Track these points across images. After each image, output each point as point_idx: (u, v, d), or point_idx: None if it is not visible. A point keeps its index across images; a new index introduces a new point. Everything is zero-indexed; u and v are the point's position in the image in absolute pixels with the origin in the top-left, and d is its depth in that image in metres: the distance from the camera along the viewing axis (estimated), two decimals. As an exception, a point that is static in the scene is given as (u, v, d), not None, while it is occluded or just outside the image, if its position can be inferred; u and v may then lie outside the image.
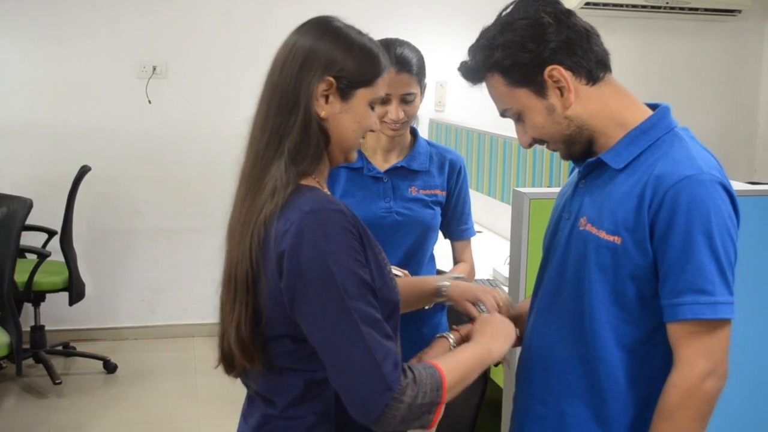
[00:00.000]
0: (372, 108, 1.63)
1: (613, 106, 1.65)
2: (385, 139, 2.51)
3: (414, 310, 2.14)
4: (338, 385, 1.46)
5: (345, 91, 1.57)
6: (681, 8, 6.05)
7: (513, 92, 1.65)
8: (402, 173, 2.53)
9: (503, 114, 1.73)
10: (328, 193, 1.61)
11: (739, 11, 6.19)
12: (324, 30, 1.59)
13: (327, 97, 1.56)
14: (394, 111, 2.40)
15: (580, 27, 1.64)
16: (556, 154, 3.79)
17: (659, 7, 6.02)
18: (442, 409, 1.50)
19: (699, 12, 6.13)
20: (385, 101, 2.39)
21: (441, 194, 2.57)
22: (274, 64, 1.59)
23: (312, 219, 1.46)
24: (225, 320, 1.57)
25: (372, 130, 1.65)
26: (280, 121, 1.54)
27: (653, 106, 1.68)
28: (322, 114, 1.56)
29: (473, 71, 1.69)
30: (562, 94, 1.62)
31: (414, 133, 2.59)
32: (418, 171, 2.54)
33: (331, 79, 1.55)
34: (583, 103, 1.63)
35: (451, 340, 1.86)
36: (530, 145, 1.74)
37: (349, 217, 1.50)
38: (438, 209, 2.57)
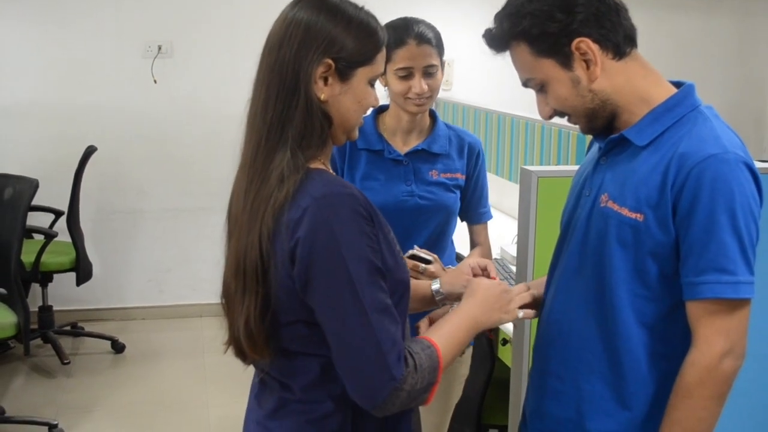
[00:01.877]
0: (372, 85, 1.60)
1: (638, 81, 1.63)
2: (405, 120, 2.49)
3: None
4: (342, 371, 1.46)
5: (344, 72, 1.54)
6: (690, -15, 6.02)
7: (538, 62, 1.62)
8: (423, 156, 2.50)
9: (525, 84, 1.70)
10: (333, 173, 1.58)
11: (749, -13, 6.15)
12: (321, 6, 1.54)
13: (326, 79, 1.53)
14: (417, 84, 2.37)
15: (610, 0, 1.61)
16: (564, 133, 3.79)
17: (668, -16, 5.98)
18: (437, 387, 1.51)
19: (708, -12, 6.10)
20: (408, 76, 2.38)
21: (461, 178, 2.55)
22: (270, 43, 1.55)
23: (324, 205, 1.45)
24: (235, 310, 1.55)
25: (373, 107, 1.63)
26: (281, 108, 1.51)
27: (677, 84, 1.67)
28: (322, 97, 1.53)
29: (498, 39, 1.66)
30: (588, 67, 1.60)
31: (433, 115, 2.57)
32: (438, 154, 2.51)
33: (330, 61, 1.51)
34: (608, 77, 1.61)
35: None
36: (550, 117, 1.72)
37: (360, 200, 1.48)
38: (458, 193, 2.55)
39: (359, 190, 1.52)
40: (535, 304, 1.84)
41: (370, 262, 1.45)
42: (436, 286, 1.96)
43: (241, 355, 1.59)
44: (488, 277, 1.96)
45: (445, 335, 1.57)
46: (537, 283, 1.96)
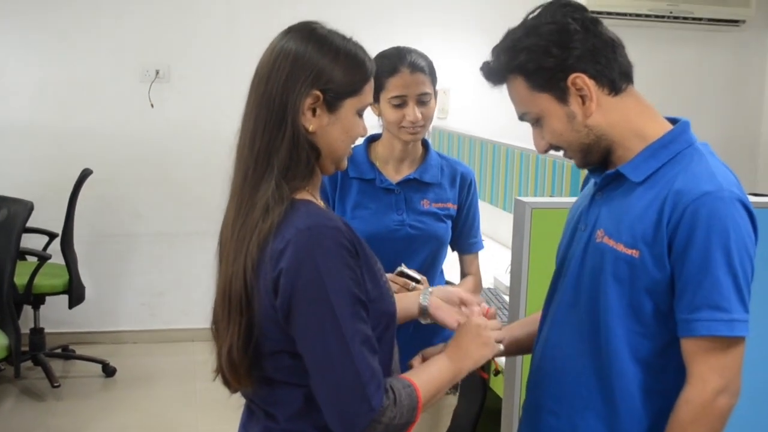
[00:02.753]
0: (360, 116, 1.61)
1: (633, 117, 1.64)
2: (398, 149, 2.49)
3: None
4: (322, 401, 1.47)
5: (332, 103, 1.54)
6: (685, 18, 6.07)
7: (534, 96, 1.64)
8: (414, 185, 2.50)
9: (521, 117, 1.71)
10: (321, 204, 1.59)
11: (743, 21, 6.20)
12: (309, 37, 1.55)
13: (314, 110, 1.53)
14: (411, 112, 2.37)
15: (606, 36, 1.63)
16: (559, 164, 3.81)
17: (663, 17, 6.03)
18: (414, 427, 1.52)
19: (703, 22, 6.14)
20: (402, 104, 2.38)
21: (452, 207, 2.54)
22: (259, 74, 1.56)
23: (308, 237, 1.45)
24: (220, 338, 1.56)
25: (361, 137, 1.64)
26: (267, 138, 1.52)
27: (673, 120, 1.68)
28: (310, 128, 1.53)
29: (495, 72, 1.68)
30: (583, 102, 1.61)
31: (425, 144, 2.57)
32: (430, 183, 2.51)
33: (318, 92, 1.52)
34: (603, 112, 1.62)
35: None
36: (546, 151, 1.72)
37: (345, 232, 1.49)
38: (449, 223, 2.54)
39: (345, 222, 1.53)
40: (515, 343, 1.87)
41: (352, 293, 1.46)
42: (425, 302, 1.93)
43: (227, 383, 1.59)
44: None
45: (426, 377, 1.58)
46: (521, 324, 1.98)
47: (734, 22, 6.21)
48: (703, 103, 6.34)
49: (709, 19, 6.14)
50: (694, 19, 6.09)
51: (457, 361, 1.66)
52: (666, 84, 6.10)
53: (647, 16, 5.98)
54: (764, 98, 6.53)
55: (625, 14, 5.86)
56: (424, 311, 1.93)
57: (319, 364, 1.45)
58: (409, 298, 1.95)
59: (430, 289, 1.97)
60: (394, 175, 2.51)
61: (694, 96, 6.30)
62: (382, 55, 2.41)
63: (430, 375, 1.60)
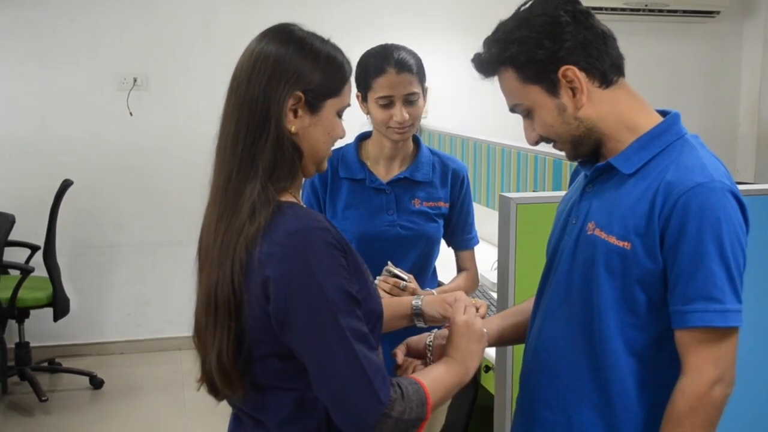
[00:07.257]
0: (340, 117, 1.62)
1: (624, 110, 1.64)
2: (388, 147, 2.47)
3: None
4: (330, 401, 1.46)
5: (313, 104, 1.55)
6: (660, 11, 6.11)
7: (525, 88, 1.64)
8: (405, 184, 2.49)
9: (512, 109, 1.71)
10: (304, 206, 1.59)
11: (718, 12, 6.25)
12: (288, 40, 1.56)
13: (296, 112, 1.54)
14: (398, 112, 2.36)
15: (598, 29, 1.63)
16: (541, 159, 3.81)
17: (638, 10, 6.07)
18: (426, 425, 1.51)
19: (678, 14, 6.18)
20: (389, 104, 2.36)
21: (444, 206, 2.53)
22: (238, 77, 1.56)
23: (298, 240, 1.45)
24: (206, 345, 1.54)
25: (341, 138, 1.64)
26: (251, 140, 1.51)
27: (663, 113, 1.68)
28: (293, 129, 1.53)
29: (486, 64, 1.68)
30: (574, 95, 1.61)
31: (417, 141, 2.55)
32: (421, 182, 2.50)
33: (300, 93, 1.53)
34: (594, 105, 1.62)
35: (428, 340, 1.84)
36: (536, 143, 1.73)
37: (333, 232, 1.49)
38: (441, 222, 2.53)
39: (331, 223, 1.53)
40: (501, 334, 1.89)
41: (347, 292, 1.46)
42: (417, 302, 1.93)
43: (214, 391, 1.57)
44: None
45: (432, 377, 1.58)
46: (508, 313, 1.99)
47: (709, 13, 6.26)
48: (680, 94, 6.38)
49: (684, 11, 6.18)
50: (669, 11, 6.13)
51: (462, 361, 1.65)
52: (643, 76, 6.09)
53: (623, 9, 6.02)
54: (741, 87, 6.58)
55: (600, 8, 5.88)
56: (416, 308, 1.91)
57: (323, 365, 1.44)
58: (402, 301, 1.95)
59: (421, 297, 1.95)
60: (384, 174, 2.50)
61: (671, 88, 6.34)
62: (369, 54, 2.39)
63: (435, 374, 1.59)
